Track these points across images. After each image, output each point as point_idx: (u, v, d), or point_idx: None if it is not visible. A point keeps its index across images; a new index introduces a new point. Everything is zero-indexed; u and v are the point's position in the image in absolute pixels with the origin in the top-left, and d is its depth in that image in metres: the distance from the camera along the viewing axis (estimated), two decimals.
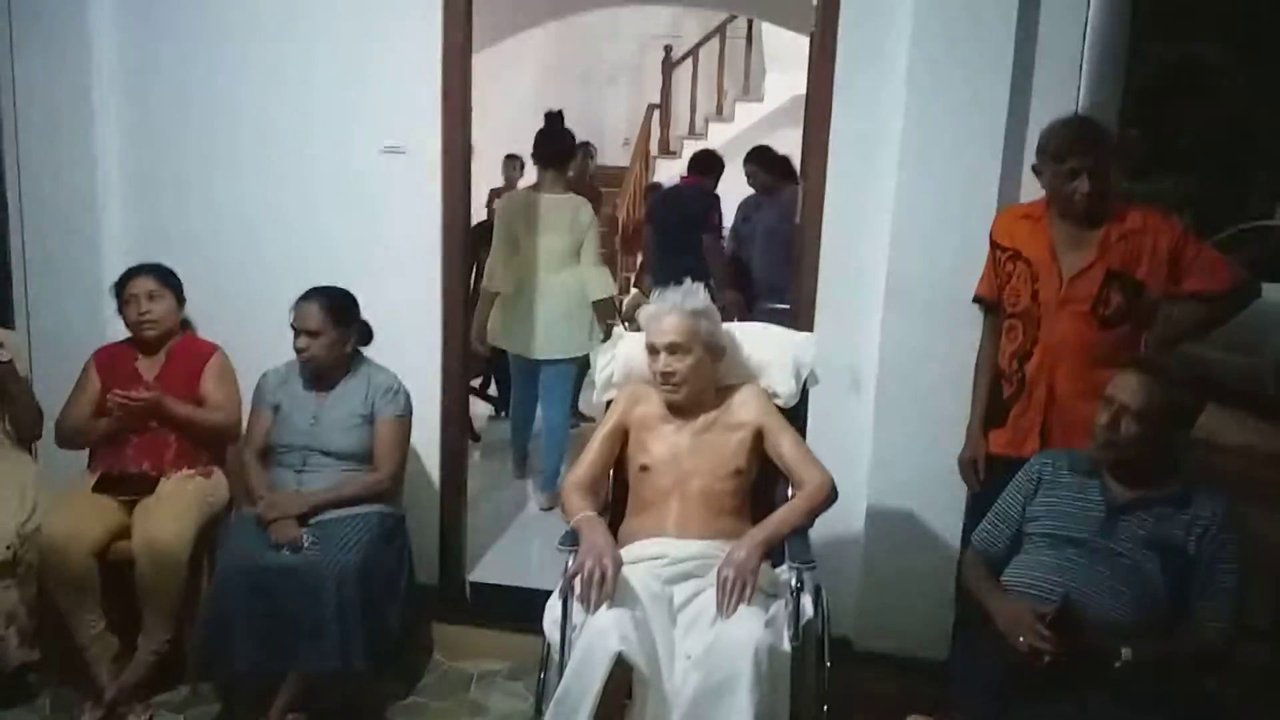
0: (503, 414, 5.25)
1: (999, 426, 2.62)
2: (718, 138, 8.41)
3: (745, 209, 5.26)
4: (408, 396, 2.82)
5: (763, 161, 5.08)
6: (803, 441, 2.40)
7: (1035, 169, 2.56)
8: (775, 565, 2.25)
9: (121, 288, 2.90)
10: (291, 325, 2.73)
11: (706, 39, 8.78)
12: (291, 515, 2.55)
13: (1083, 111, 2.73)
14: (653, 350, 2.38)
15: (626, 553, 2.24)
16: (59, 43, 3.18)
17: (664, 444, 2.38)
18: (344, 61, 3.11)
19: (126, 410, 2.74)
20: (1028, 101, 2.81)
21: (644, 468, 2.38)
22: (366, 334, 2.87)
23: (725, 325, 2.51)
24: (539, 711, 2.10)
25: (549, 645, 2.13)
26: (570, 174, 4.32)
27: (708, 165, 5.31)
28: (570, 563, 2.11)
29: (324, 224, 3.18)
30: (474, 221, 4.50)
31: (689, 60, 8.75)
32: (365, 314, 2.87)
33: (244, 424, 2.87)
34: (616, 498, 2.53)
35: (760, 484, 2.44)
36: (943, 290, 2.84)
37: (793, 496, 2.36)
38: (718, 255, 4.96)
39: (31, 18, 3.19)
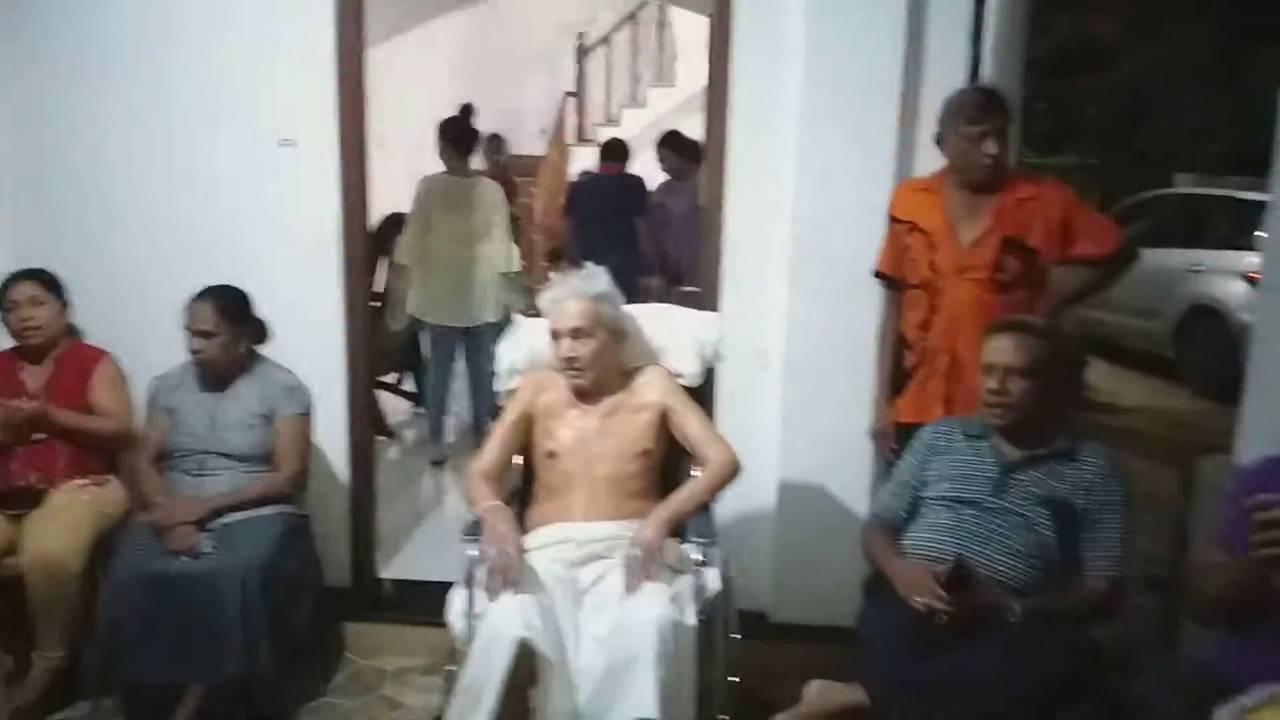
0: (421, 409, 5.19)
1: (905, 395, 2.67)
2: (633, 124, 8.40)
3: (659, 194, 5.28)
4: (308, 394, 2.76)
5: (674, 146, 5.10)
6: (707, 420, 2.41)
7: (937, 139, 2.61)
8: (684, 542, 2.26)
9: (2, 294, 2.78)
10: (185, 326, 2.65)
11: (619, 26, 8.77)
12: (189, 521, 2.48)
13: (986, 84, 2.80)
14: (556, 335, 2.37)
15: (533, 538, 2.25)
16: None
17: (570, 429, 2.38)
18: (240, 54, 3.00)
19: (9, 422, 2.64)
20: (920, 78, 2.85)
21: (551, 454, 2.37)
22: (262, 332, 2.80)
23: (628, 308, 2.51)
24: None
25: (456, 637, 2.11)
26: (481, 163, 4.71)
27: (620, 152, 5.31)
28: (474, 553, 2.09)
29: (224, 220, 3.07)
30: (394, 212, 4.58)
31: (603, 48, 8.73)
32: (266, 310, 2.79)
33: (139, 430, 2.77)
34: (525, 484, 2.52)
35: (668, 464, 2.45)
36: (846, 266, 2.87)
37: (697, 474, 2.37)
38: (652, 241, 5.02)
39: None
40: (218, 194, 3.08)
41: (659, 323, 2.58)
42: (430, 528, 3.85)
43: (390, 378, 5.25)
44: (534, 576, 2.09)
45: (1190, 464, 2.96)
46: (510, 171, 6.78)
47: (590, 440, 2.35)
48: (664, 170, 5.19)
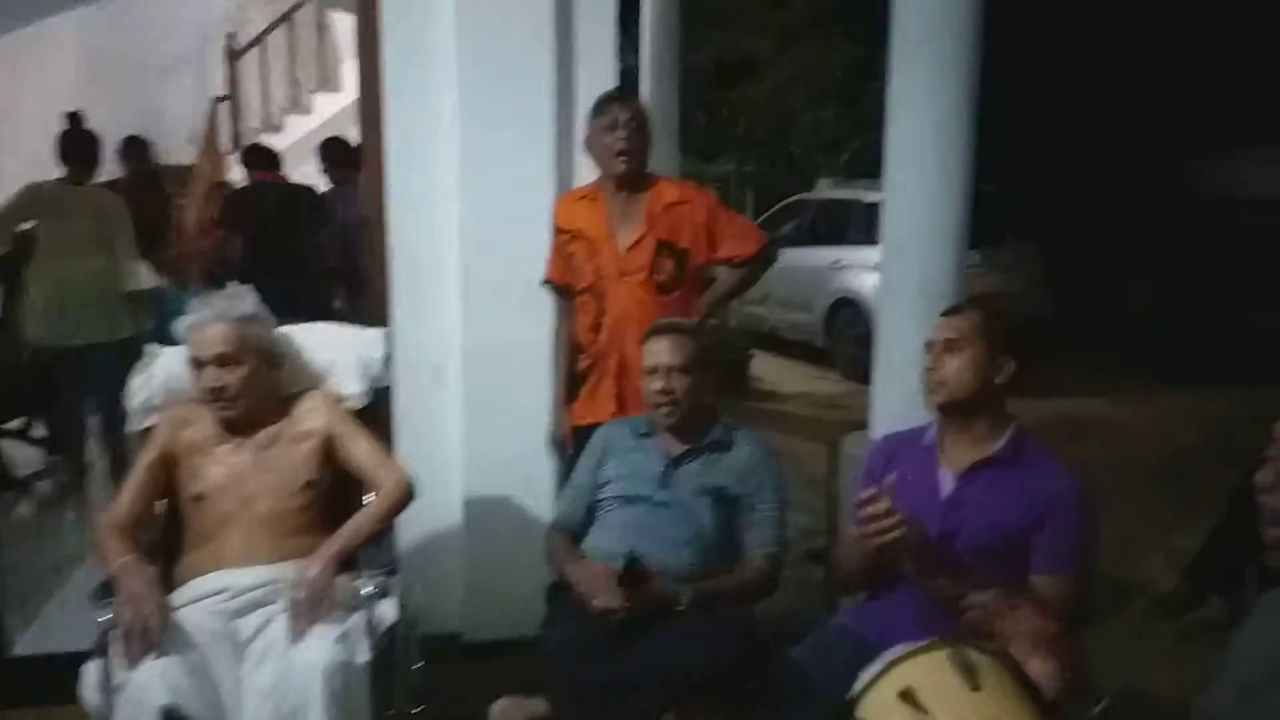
0: (57, 457, 4.56)
1: (580, 398, 2.71)
2: (296, 130, 7.93)
3: (331, 203, 5.02)
4: None
5: (334, 153, 4.87)
6: (377, 444, 2.29)
7: (586, 143, 2.70)
8: (358, 576, 2.13)
9: None
10: None
11: (273, 26, 8.23)
12: None
13: (645, 97, 2.92)
14: (198, 364, 2.16)
15: (184, 592, 2.04)
16: None
17: (220, 467, 2.17)
18: None
19: None
20: (574, 84, 2.91)
21: (199, 497, 2.15)
22: None
23: (282, 329, 2.33)
24: None
25: (93, 715, 1.85)
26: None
27: (268, 160, 4.99)
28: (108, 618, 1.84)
29: None
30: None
31: (257, 50, 8.15)
32: None
33: None
34: (174, 533, 2.26)
35: (338, 494, 2.30)
36: (517, 275, 2.87)
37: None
38: (334, 253, 4.75)
39: None
40: None
41: (319, 342, 2.42)
42: (74, 592, 3.37)
43: (16, 423, 4.58)
44: (183, 635, 1.88)
45: (838, 442, 3.27)
46: (162, 180, 6.13)
47: (245, 477, 2.16)
48: (327, 178, 4.94)
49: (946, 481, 1.94)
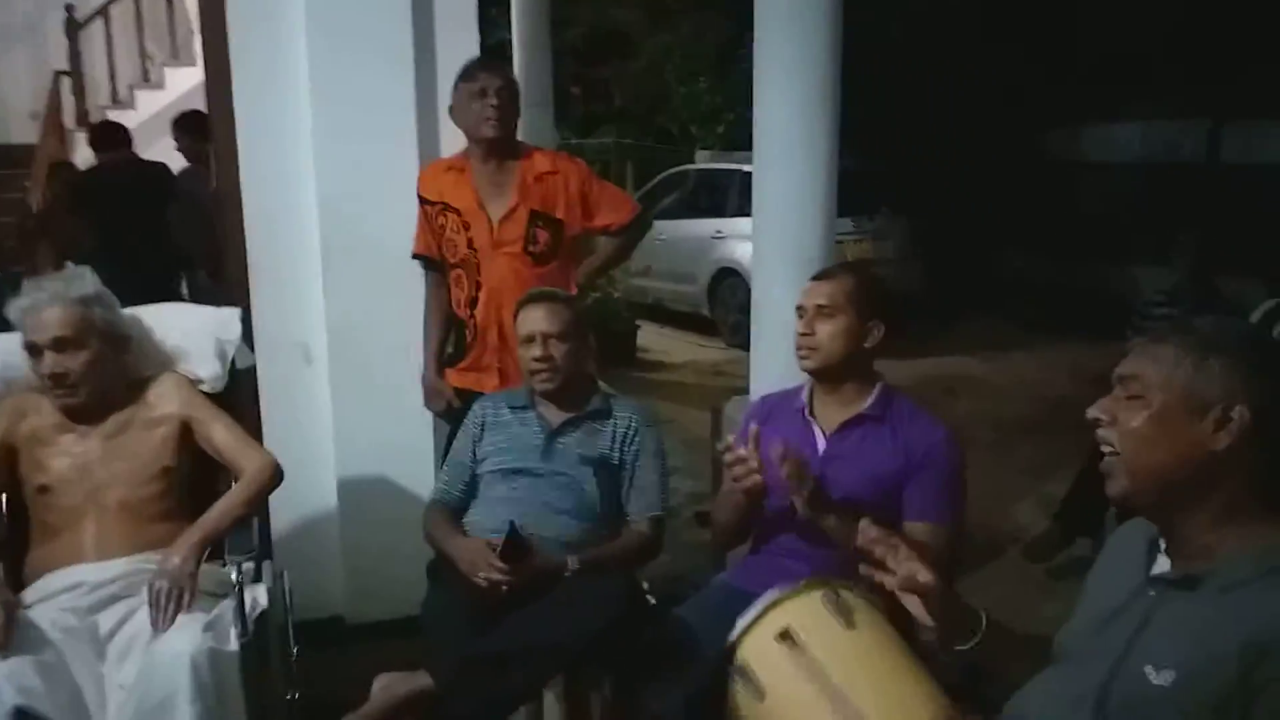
0: None
1: (464, 368, 2.65)
2: (149, 106, 7.45)
3: (186, 180, 4.77)
4: None
5: (189, 128, 4.62)
6: (237, 427, 2.18)
7: (451, 111, 2.63)
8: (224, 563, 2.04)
9: None
10: None
11: None
12: None
13: (518, 71, 2.86)
14: (35, 350, 2.02)
15: (33, 590, 1.92)
16: None
17: (66, 457, 2.04)
18: None
19: None
20: (433, 52, 2.82)
21: (43, 489, 2.02)
22: None
23: (131, 310, 2.20)
24: None
25: None
26: None
27: (116, 137, 4.70)
28: None
29: None
30: None
31: (100, 22, 7.63)
32: None
33: None
34: (15, 529, 2.11)
35: (200, 480, 2.19)
36: (382, 250, 2.78)
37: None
38: (186, 232, 4.49)
39: None
40: None
41: (170, 323, 2.30)
42: None
43: None
44: (34, 634, 1.78)
45: (720, 407, 3.31)
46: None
47: (94, 466, 2.03)
48: (182, 154, 4.69)
49: (820, 440, 1.98)
